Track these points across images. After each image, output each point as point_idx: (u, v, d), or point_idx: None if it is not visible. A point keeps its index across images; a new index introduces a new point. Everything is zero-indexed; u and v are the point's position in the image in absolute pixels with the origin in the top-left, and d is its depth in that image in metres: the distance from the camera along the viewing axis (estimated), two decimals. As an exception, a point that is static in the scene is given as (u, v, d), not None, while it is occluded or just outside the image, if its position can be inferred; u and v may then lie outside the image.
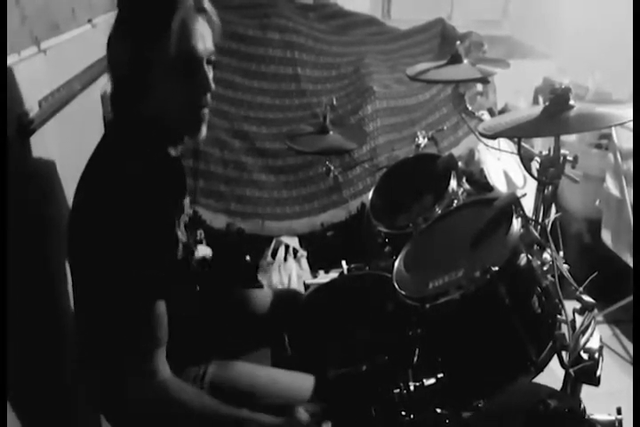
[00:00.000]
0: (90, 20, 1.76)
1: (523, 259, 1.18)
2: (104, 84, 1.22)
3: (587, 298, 1.17)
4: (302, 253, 2.50)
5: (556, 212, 1.37)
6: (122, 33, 1.10)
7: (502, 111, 3.14)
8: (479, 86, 2.85)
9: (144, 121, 1.13)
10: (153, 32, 1.07)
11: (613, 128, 2.41)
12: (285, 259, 2.46)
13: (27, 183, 1.23)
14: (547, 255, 1.22)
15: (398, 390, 1.20)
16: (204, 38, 1.12)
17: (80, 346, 1.23)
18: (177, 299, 1.14)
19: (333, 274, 2.34)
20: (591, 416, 1.11)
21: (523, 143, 1.31)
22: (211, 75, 1.15)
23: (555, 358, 1.15)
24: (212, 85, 1.15)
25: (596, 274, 1.28)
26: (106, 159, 1.13)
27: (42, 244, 1.32)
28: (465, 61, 1.60)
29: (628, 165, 2.39)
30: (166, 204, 1.12)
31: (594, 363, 1.10)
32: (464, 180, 1.64)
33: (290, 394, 1.29)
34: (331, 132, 1.78)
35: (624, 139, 2.41)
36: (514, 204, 1.22)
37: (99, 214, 1.07)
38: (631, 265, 2.34)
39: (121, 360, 1.08)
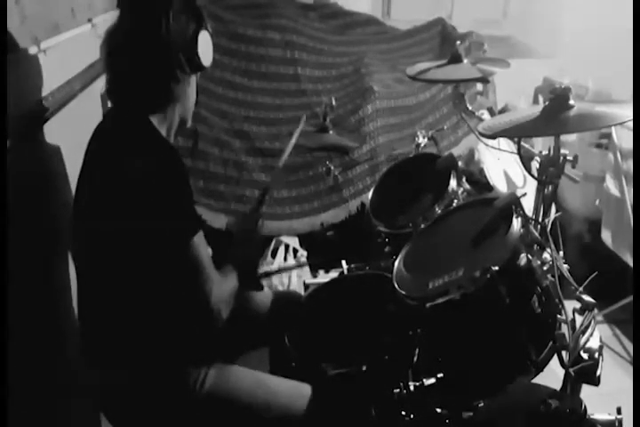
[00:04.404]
0: (90, 20, 1.76)
1: (523, 259, 1.18)
2: (104, 83, 1.23)
3: (587, 298, 1.17)
4: (302, 253, 2.50)
5: (556, 212, 1.37)
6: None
7: (502, 111, 3.13)
8: (479, 86, 2.85)
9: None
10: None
11: (613, 128, 2.41)
12: (285, 259, 2.46)
13: (27, 184, 1.23)
14: (547, 255, 1.22)
15: (398, 390, 1.20)
16: None
17: (85, 343, 1.24)
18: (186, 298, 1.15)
19: (333, 274, 2.34)
20: (591, 416, 1.12)
21: (523, 143, 1.31)
22: None
23: (555, 358, 1.15)
24: None
25: (595, 274, 1.28)
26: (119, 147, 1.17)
27: (45, 241, 1.32)
28: (465, 61, 1.60)
29: (628, 165, 2.39)
30: (185, 187, 1.16)
31: (594, 363, 1.10)
32: (464, 180, 1.64)
33: (288, 407, 1.27)
34: (331, 132, 1.78)
35: (624, 138, 2.41)
36: (514, 204, 1.22)
37: (117, 205, 1.12)
38: (631, 265, 2.34)
39: None
